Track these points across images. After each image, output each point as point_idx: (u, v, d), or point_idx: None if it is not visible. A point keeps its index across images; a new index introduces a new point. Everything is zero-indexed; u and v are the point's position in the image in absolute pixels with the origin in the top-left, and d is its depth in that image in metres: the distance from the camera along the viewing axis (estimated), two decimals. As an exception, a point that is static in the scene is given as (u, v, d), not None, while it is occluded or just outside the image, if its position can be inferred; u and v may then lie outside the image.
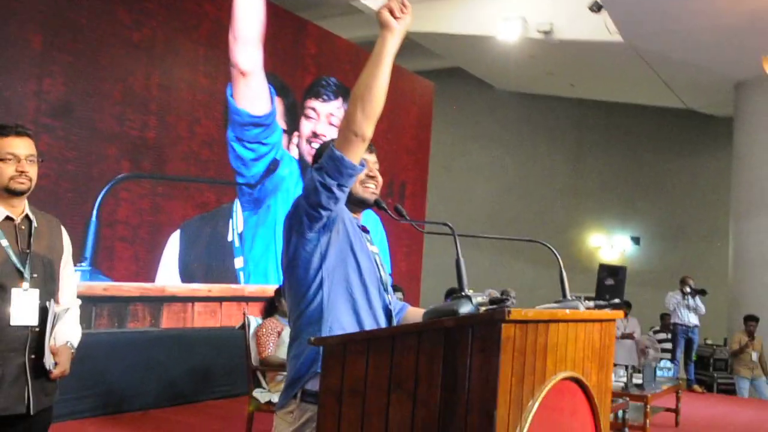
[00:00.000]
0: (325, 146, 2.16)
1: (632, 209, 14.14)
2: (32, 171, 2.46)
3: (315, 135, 7.63)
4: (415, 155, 9.23)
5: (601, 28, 9.48)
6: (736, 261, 10.51)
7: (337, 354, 1.69)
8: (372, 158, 2.30)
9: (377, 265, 2.23)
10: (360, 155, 2.07)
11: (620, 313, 1.99)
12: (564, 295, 2.01)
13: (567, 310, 1.78)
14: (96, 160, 5.60)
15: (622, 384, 5.90)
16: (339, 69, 7.91)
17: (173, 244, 6.17)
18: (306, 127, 7.60)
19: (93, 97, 5.58)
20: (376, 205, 2.25)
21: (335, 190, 2.02)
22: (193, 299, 6.38)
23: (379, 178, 2.31)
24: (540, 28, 9.70)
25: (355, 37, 10.14)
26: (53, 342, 2.44)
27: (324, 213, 2.05)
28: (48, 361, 2.39)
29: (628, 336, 9.75)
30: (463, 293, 1.66)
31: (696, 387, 9.43)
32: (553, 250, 2.12)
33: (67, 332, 2.51)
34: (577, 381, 1.71)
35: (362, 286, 2.12)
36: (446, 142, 12.90)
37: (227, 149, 6.60)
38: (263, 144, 6.84)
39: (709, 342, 10.68)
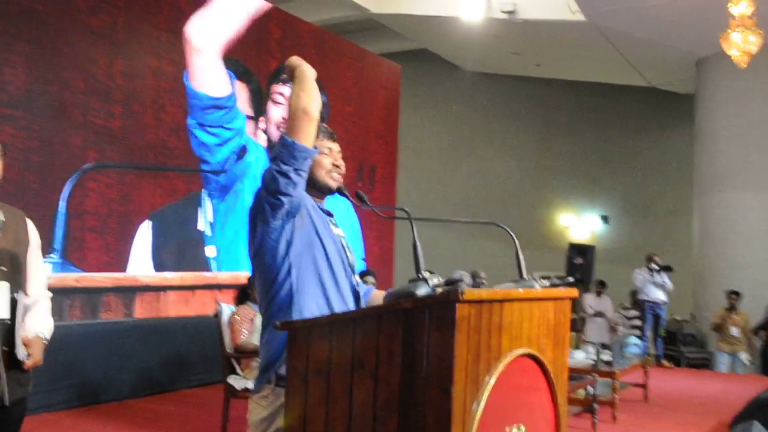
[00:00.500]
0: (279, 138, 2.23)
1: (600, 188, 14.36)
2: None
3: (285, 120, 7.62)
4: (383, 139, 9.27)
5: (564, 8, 9.57)
6: (700, 236, 10.75)
7: (302, 337, 1.74)
8: (336, 147, 2.37)
9: (343, 247, 2.30)
10: (311, 138, 2.15)
11: (574, 291, 2.07)
12: (520, 275, 2.08)
13: (521, 289, 1.85)
14: (61, 150, 5.56)
15: (591, 361, 6.03)
16: (304, 53, 7.80)
17: (144, 234, 6.16)
18: (275, 112, 7.59)
19: (55, 85, 5.53)
20: (338, 192, 2.31)
21: (292, 175, 2.09)
22: (166, 288, 6.38)
23: (343, 167, 2.37)
24: (503, 8, 9.76)
25: (319, 20, 10.12)
26: (25, 333, 2.47)
27: (284, 199, 2.10)
28: (20, 352, 2.42)
29: (600, 314, 9.96)
30: (419, 276, 1.72)
31: (664, 362, 9.66)
32: (509, 230, 2.19)
33: (38, 324, 2.54)
34: (533, 357, 1.79)
35: (329, 269, 2.18)
36: (415, 125, 12.95)
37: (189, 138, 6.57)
38: (226, 129, 6.80)
39: (676, 318, 10.92)
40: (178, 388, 6.24)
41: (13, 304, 2.45)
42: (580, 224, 14.55)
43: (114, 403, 5.65)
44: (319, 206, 2.30)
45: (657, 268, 9.45)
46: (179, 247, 6.51)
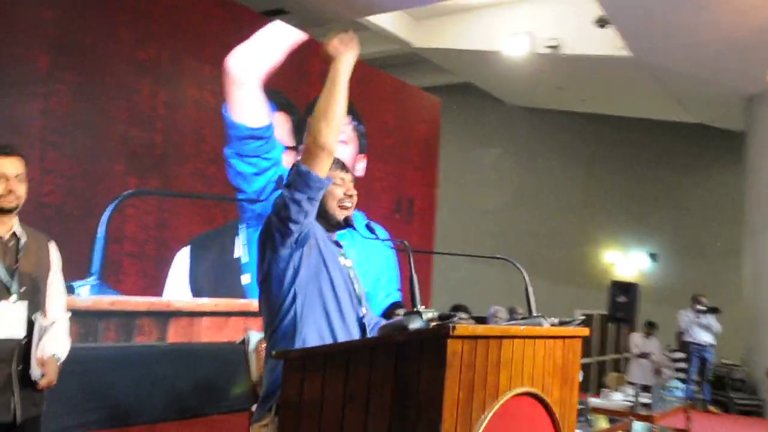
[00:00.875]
0: (292, 166, 2.24)
1: (647, 225, 14.05)
2: (20, 189, 2.55)
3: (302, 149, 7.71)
4: (422, 171, 9.27)
5: (609, 43, 9.49)
6: (753, 278, 10.37)
7: (297, 368, 1.72)
8: (348, 177, 2.37)
9: (350, 278, 2.28)
10: (326, 169, 2.16)
11: (584, 330, 2.00)
12: (529, 312, 2.03)
13: (522, 327, 1.80)
14: (102, 177, 5.70)
15: (629, 403, 5.84)
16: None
17: (181, 261, 6.25)
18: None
19: (99, 114, 5.69)
20: (345, 223, 2.31)
21: (304, 203, 2.09)
22: (200, 314, 6.44)
23: (355, 196, 2.38)
24: (547, 43, 9.73)
25: (362, 54, 10.23)
26: (40, 354, 2.51)
27: (295, 228, 2.11)
28: (35, 372, 2.47)
29: (644, 355, 9.66)
30: (415, 309, 1.69)
31: (712, 408, 9.28)
32: (518, 266, 2.15)
33: (54, 345, 2.59)
34: (536, 397, 1.73)
35: (335, 299, 2.18)
36: (457, 158, 12.94)
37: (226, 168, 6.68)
38: (263, 159, 6.89)
39: (725, 361, 10.52)
40: (208, 413, 6.27)
41: (31, 324, 2.50)
42: (626, 262, 14.23)
43: (144, 426, 5.70)
44: (328, 237, 2.30)
45: (703, 309, 9.15)
46: (216, 274, 6.58)
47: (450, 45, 10.65)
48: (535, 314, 2.02)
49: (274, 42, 7.18)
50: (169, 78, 6.22)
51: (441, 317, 1.66)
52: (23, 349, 2.48)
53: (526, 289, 2.09)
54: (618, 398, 6.04)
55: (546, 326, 1.92)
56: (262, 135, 6.93)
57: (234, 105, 6.70)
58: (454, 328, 1.45)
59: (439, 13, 10.32)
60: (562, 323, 2.03)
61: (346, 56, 2.23)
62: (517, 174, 14.33)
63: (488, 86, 12.46)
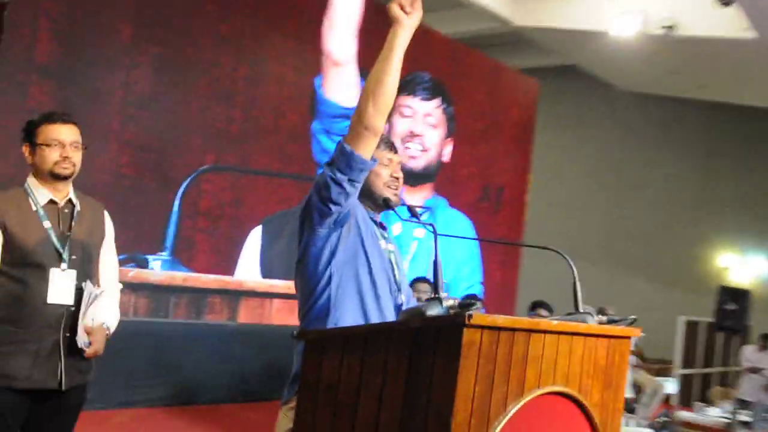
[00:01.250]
0: (338, 143, 2.22)
1: (770, 227, 13.24)
2: (76, 157, 2.66)
3: (412, 135, 7.68)
4: (514, 159, 9.10)
5: (732, 23, 8.96)
6: None
7: (316, 350, 1.73)
8: (396, 158, 2.34)
9: (392, 263, 2.26)
10: (371, 150, 2.13)
11: (633, 330, 1.90)
12: (576, 307, 1.95)
13: (554, 321, 1.73)
14: (180, 151, 5.93)
15: (726, 420, 5.56)
16: (433, 65, 7.92)
17: (254, 239, 6.42)
18: (401, 124, 7.65)
19: (179, 87, 5.91)
20: (387, 205, 2.29)
21: (345, 185, 2.08)
22: (272, 295, 6.60)
23: (402, 179, 2.35)
24: (661, 23, 9.29)
25: (457, 32, 10.13)
26: (89, 322, 2.62)
27: (334, 208, 2.10)
28: (81, 339, 2.57)
29: (756, 370, 9.13)
30: (436, 295, 1.65)
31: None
32: (567, 258, 2.05)
33: (103, 314, 2.69)
34: (570, 397, 1.66)
35: (371, 283, 2.17)
36: (557, 145, 12.61)
37: (311, 143, 6.78)
38: (352, 139, 6.97)
39: None
40: (274, 397, 6.39)
41: (80, 292, 2.62)
42: (742, 266, 13.47)
43: (209, 405, 5.90)
44: (371, 217, 2.29)
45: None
46: (289, 256, 6.71)
47: (554, 24, 10.34)
48: (581, 310, 1.93)
49: (363, 20, 7.20)
50: (251, 52, 6.37)
51: (461, 305, 1.61)
52: (71, 316, 2.59)
53: (574, 283, 2.01)
54: (715, 414, 5.76)
55: (591, 324, 1.84)
56: (354, 114, 7.02)
57: (328, 82, 6.81)
58: (470, 316, 1.41)
59: (543, -11, 10.05)
60: (611, 322, 1.94)
61: (405, 23, 2.16)
62: (622, 165, 13.82)
63: (594, 69, 12.04)
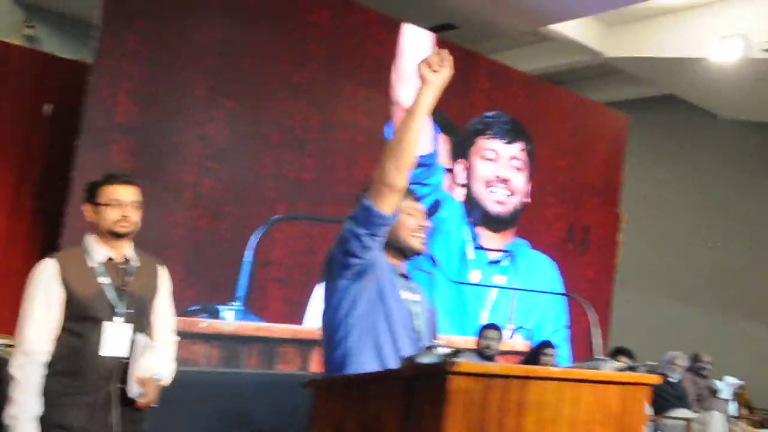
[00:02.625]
0: (360, 195, 2.41)
1: None
2: (135, 216, 2.98)
3: (498, 179, 7.79)
4: (602, 197, 9.05)
5: None
6: None
7: (323, 397, 1.92)
8: (420, 207, 2.50)
9: (412, 314, 2.41)
10: (392, 205, 2.30)
11: (649, 377, 1.98)
12: (590, 353, 2.07)
13: (559, 368, 1.84)
14: (253, 201, 6.28)
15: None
16: (511, 103, 8.05)
17: (322, 288, 6.67)
18: (484, 168, 7.77)
19: (253, 139, 6.29)
20: (409, 254, 2.43)
21: (365, 239, 2.26)
22: (346, 344, 6.81)
23: (427, 227, 2.51)
24: (763, 45, 9.08)
25: (546, 66, 10.21)
26: (141, 373, 2.89)
27: (355, 261, 2.29)
28: (132, 390, 2.85)
29: None
30: (431, 344, 1.80)
31: None
32: (585, 303, 2.16)
33: (156, 365, 2.96)
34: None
35: (390, 334, 2.31)
36: (652, 180, 12.36)
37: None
38: (423, 185, 7.16)
39: None
40: (347, 450, 6.60)
41: (134, 345, 2.90)
42: None
43: (281, 456, 6.15)
44: (394, 269, 2.45)
45: None
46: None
47: (648, 53, 10.25)
48: (597, 357, 2.05)
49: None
50: (322, 101, 6.70)
51: (453, 354, 1.76)
52: (124, 367, 2.86)
53: (590, 329, 2.13)
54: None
55: (605, 370, 1.94)
56: (427, 162, 7.21)
57: (401, 129, 7.03)
58: (454, 364, 1.54)
59: (634, 18, 9.98)
60: (630, 369, 2.04)
61: (432, 81, 2.33)
62: (729, 198, 13.37)
63: (694, 98, 11.80)
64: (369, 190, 2.36)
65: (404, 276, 2.51)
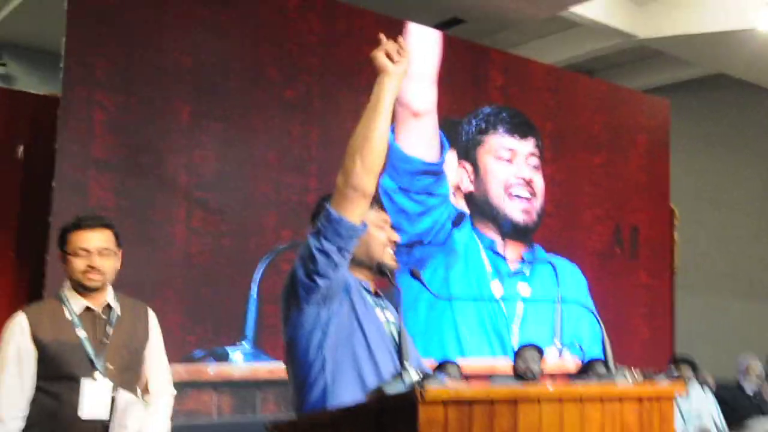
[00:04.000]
0: (320, 207, 2.24)
1: None
2: (106, 264, 2.78)
3: (524, 181, 7.39)
4: (648, 192, 8.65)
5: None
6: None
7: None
8: (389, 219, 2.33)
9: (391, 336, 2.22)
10: (361, 214, 2.14)
11: (666, 390, 1.77)
12: (606, 367, 1.87)
13: (550, 387, 1.71)
14: (253, 231, 6.06)
15: None
16: (532, 98, 7.72)
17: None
18: (500, 170, 7.36)
19: (247, 162, 6.08)
20: (381, 271, 2.28)
21: (334, 255, 2.09)
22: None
23: (398, 241, 2.38)
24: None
25: (575, 55, 9.90)
26: None
27: (322, 282, 2.11)
28: None
29: None
30: (399, 370, 1.70)
31: None
32: (595, 314, 1.97)
33: (140, 424, 2.74)
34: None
35: (373, 364, 2.15)
36: (704, 171, 11.87)
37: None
38: (433, 196, 6.83)
39: None
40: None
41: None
42: None
43: None
44: (365, 287, 2.27)
45: None
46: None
47: (687, 30, 9.87)
48: (612, 369, 1.84)
49: (442, 61, 7.16)
50: (321, 114, 6.48)
51: (423, 379, 1.61)
52: (106, 431, 2.66)
53: (603, 342, 1.92)
54: None
55: (625, 384, 1.81)
56: (437, 170, 6.91)
57: (406, 135, 6.75)
58: (422, 393, 1.43)
59: (666, -7, 9.66)
60: (647, 378, 1.84)
61: (392, 72, 2.20)
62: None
63: (745, 74, 11.33)
64: (331, 199, 2.16)
65: (376, 294, 2.32)
